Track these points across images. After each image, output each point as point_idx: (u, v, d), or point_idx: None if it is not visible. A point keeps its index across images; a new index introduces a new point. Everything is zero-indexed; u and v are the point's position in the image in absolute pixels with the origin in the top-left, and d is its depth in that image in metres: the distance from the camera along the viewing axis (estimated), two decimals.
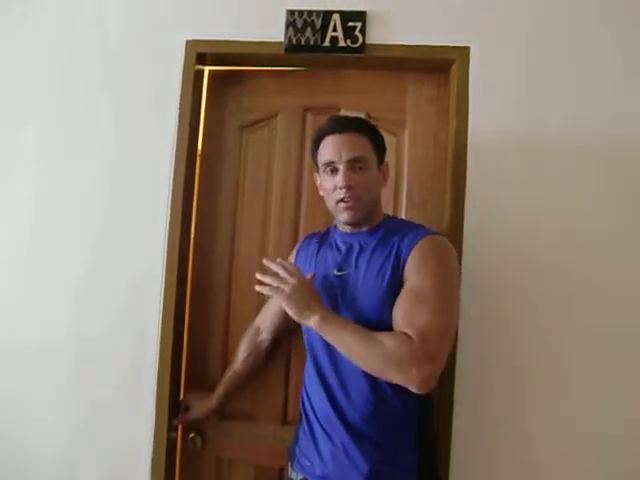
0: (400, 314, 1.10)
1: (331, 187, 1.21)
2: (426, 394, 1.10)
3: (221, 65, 1.64)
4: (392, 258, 1.16)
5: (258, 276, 1.17)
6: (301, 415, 1.31)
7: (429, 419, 1.25)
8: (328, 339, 1.13)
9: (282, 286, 1.13)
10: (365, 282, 1.18)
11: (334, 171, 1.21)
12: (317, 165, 1.28)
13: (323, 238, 1.37)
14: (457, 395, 1.42)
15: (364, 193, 1.20)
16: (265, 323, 1.48)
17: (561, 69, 1.47)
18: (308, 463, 1.24)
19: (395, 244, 1.18)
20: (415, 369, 1.03)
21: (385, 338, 1.07)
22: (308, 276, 1.20)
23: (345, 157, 1.19)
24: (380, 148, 1.26)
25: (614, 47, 1.46)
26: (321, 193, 1.30)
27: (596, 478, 1.40)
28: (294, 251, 1.45)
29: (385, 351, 1.05)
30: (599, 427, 1.40)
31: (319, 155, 1.25)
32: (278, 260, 1.20)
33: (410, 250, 1.15)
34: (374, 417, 1.17)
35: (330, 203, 1.25)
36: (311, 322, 1.12)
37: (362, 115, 1.55)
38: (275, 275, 1.17)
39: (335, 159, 1.20)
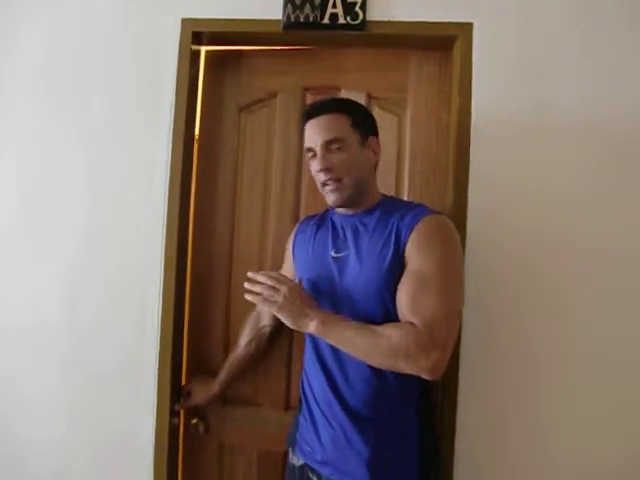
0: (405, 300, 1.08)
1: (314, 172, 1.21)
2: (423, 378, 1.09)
3: (218, 45, 1.60)
4: (392, 239, 1.14)
5: (247, 285, 1.15)
6: (301, 401, 1.30)
7: (428, 403, 1.24)
8: (331, 342, 1.12)
9: (273, 295, 1.11)
10: (365, 264, 1.15)
11: (314, 157, 1.20)
12: None
13: (321, 220, 1.35)
14: (462, 378, 1.41)
15: (345, 173, 1.17)
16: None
17: (566, 46, 1.44)
18: (308, 448, 1.24)
19: (394, 224, 1.15)
20: (424, 357, 1.02)
21: (389, 330, 1.06)
22: (296, 281, 1.18)
23: (319, 141, 1.17)
24: (362, 124, 1.21)
25: (621, 21, 1.42)
26: None
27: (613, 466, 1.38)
28: (292, 235, 1.42)
29: (391, 343, 1.04)
30: (617, 412, 1.38)
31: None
32: (262, 272, 1.17)
33: (410, 231, 1.12)
34: (375, 401, 1.16)
35: (319, 187, 1.23)
36: (310, 328, 1.10)
37: (361, 95, 1.52)
38: (264, 284, 1.14)
39: (312, 145, 1.19)
